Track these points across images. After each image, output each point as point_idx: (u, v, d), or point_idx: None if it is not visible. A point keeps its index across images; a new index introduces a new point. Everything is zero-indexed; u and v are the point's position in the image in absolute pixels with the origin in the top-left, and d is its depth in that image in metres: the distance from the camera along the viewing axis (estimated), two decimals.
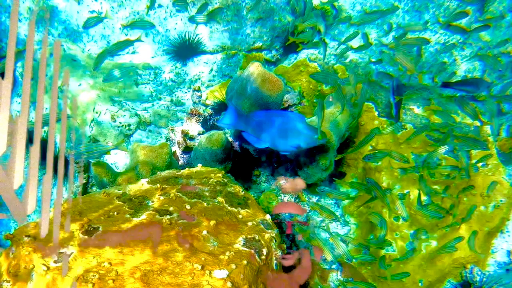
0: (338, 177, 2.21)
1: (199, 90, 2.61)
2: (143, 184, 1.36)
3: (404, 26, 2.39)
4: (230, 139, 2.22)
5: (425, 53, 2.52)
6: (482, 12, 2.47)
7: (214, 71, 2.71)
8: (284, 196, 2.17)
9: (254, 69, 1.91)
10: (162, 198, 1.26)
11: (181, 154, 2.35)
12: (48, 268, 0.97)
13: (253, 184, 2.24)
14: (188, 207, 1.21)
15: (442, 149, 1.79)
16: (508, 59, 2.34)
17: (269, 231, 1.23)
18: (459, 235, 1.89)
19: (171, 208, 1.20)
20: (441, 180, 2.03)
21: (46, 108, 2.38)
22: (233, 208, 1.28)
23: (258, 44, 2.69)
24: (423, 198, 1.96)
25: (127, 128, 2.61)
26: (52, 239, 1.00)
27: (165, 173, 1.50)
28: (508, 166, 2.05)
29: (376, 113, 2.27)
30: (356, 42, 2.42)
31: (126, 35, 2.67)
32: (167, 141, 2.51)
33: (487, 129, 2.07)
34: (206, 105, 2.53)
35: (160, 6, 2.64)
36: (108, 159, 2.53)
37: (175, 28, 2.67)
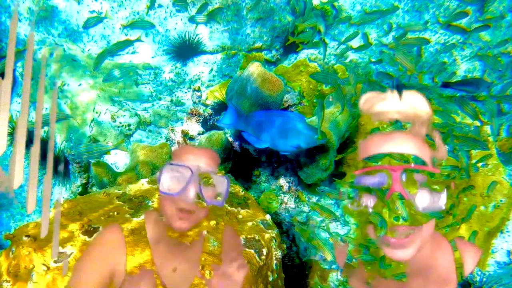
0: (338, 177, 2.21)
1: (199, 90, 2.61)
2: (143, 184, 1.36)
3: (404, 26, 2.39)
4: (230, 139, 2.22)
5: (425, 53, 2.52)
6: (482, 12, 2.47)
7: (214, 71, 2.71)
8: (284, 196, 2.17)
9: (254, 69, 1.91)
10: None
11: None
12: (48, 268, 0.97)
13: (253, 184, 2.24)
14: None
15: None
16: (508, 59, 2.34)
17: (269, 231, 1.23)
18: (459, 235, 1.89)
19: None
20: (441, 180, 2.03)
21: (46, 108, 2.38)
22: (233, 208, 1.28)
23: (258, 44, 2.69)
24: None
25: (127, 128, 2.61)
26: (52, 239, 1.00)
27: None
28: (508, 166, 2.05)
29: None
30: (356, 42, 2.42)
31: (126, 35, 2.67)
32: (167, 141, 2.51)
33: (487, 129, 2.07)
34: (206, 105, 2.53)
35: (160, 6, 2.64)
36: (108, 159, 2.53)
37: (175, 28, 2.67)
